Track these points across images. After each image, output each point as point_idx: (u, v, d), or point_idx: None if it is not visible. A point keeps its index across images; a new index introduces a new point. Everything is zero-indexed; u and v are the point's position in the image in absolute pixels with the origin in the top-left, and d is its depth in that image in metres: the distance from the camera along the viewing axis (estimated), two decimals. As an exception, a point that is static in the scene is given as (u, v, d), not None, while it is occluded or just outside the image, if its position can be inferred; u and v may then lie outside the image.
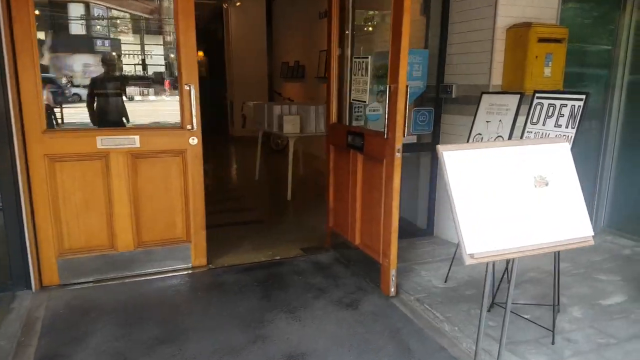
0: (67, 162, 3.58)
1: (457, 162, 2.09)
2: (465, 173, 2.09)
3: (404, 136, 3.37)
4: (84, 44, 4.80)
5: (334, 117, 4.30)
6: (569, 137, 2.82)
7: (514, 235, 2.09)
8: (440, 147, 2.08)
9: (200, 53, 18.80)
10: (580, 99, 2.82)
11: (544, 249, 2.14)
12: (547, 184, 2.21)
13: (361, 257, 3.93)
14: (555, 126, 2.94)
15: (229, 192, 7.12)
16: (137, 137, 3.70)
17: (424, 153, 4.88)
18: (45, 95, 3.64)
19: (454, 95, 4.43)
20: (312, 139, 7.03)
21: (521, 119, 3.34)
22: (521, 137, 3.18)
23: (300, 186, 6.91)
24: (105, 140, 3.62)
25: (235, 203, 6.40)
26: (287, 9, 11.54)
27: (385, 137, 3.41)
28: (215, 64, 15.68)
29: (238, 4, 11.84)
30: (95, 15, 4.82)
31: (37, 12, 3.38)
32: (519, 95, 3.28)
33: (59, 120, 4.19)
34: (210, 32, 15.02)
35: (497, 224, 2.09)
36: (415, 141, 4.69)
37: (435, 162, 4.77)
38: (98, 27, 5.02)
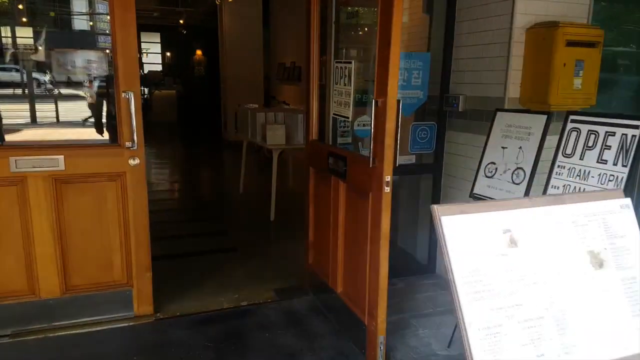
0: (-28, 188, 2.85)
1: (463, 232, 1.33)
2: (475, 250, 1.32)
3: (395, 165, 2.60)
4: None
5: (314, 134, 3.54)
6: (619, 178, 2.05)
7: (549, 347, 1.33)
8: (437, 209, 1.32)
9: (199, 52, 18.18)
10: (636, 127, 2.05)
11: (598, 369, 1.37)
12: (601, 265, 1.44)
13: (345, 307, 3.16)
14: (598, 162, 2.17)
15: (204, 210, 6.35)
16: (61, 158, 2.95)
17: (425, 176, 4.11)
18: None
19: (461, 109, 3.66)
20: (302, 152, 6.27)
21: (550, 144, 2.58)
22: (550, 172, 2.40)
23: (288, 203, 6.13)
24: (20, 162, 2.88)
25: (209, 224, 5.63)
26: (285, 7, 10.80)
27: (371, 164, 2.65)
28: (211, 65, 15.01)
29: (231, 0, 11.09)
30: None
31: None
32: (545, 116, 2.51)
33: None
34: (207, 31, 14.33)
35: (524, 329, 1.32)
36: (413, 162, 3.92)
37: (438, 186, 3.99)
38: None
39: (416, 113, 3.87)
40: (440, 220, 1.31)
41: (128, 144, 3.02)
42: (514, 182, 2.54)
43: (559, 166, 2.35)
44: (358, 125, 3.76)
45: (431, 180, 4.03)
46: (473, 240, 1.33)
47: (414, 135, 3.81)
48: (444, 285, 3.83)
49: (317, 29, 3.36)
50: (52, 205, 3.00)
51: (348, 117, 3.02)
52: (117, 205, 3.12)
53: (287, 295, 3.67)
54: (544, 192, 2.39)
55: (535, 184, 2.53)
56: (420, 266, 4.16)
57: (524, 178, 2.48)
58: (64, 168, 2.97)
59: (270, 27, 11.98)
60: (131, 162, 3.06)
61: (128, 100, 2.95)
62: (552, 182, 2.35)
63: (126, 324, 3.21)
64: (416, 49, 4.18)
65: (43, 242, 3.02)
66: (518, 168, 2.54)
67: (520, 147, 2.57)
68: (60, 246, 3.06)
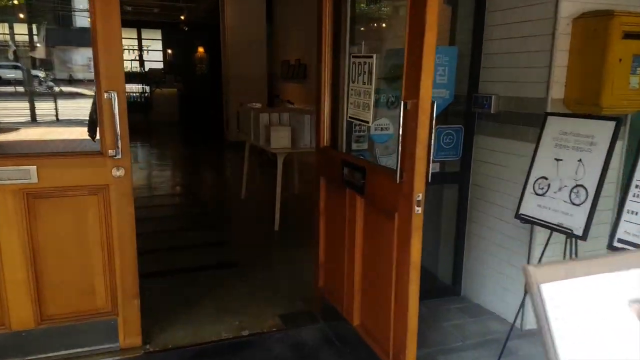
0: None
1: (573, 306, 0.89)
2: (592, 332, 0.89)
3: (428, 180, 2.17)
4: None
5: (325, 139, 3.10)
6: None
7: None
8: (533, 272, 0.88)
9: (201, 49, 17.74)
10: None
11: None
12: None
13: (362, 343, 2.73)
14: (693, 181, 1.74)
15: (203, 218, 5.90)
16: (33, 169, 2.53)
17: (449, 185, 3.67)
18: None
19: (493, 111, 3.22)
20: (308, 154, 5.82)
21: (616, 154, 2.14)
22: (625, 193, 1.96)
23: (294, 212, 5.70)
24: (-16, 174, 2.46)
25: (207, 234, 5.18)
26: (290, 0, 10.35)
27: (398, 179, 2.21)
28: (213, 62, 14.58)
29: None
30: None
31: None
32: (614, 123, 2.07)
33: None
34: (209, 28, 13.89)
35: None
36: (437, 170, 3.48)
37: (465, 197, 3.56)
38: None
39: (440, 115, 3.43)
40: (539, 289, 0.87)
41: (111, 152, 2.59)
42: (572, 203, 2.10)
43: (637, 186, 1.91)
44: (375, 128, 3.33)
45: (456, 191, 3.59)
46: (588, 317, 0.89)
47: (438, 140, 3.38)
48: (472, 311, 3.40)
49: (330, 19, 2.93)
50: (23, 224, 2.57)
51: (368, 121, 2.58)
52: (99, 222, 2.69)
53: (294, 322, 3.24)
54: (617, 218, 1.96)
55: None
56: (443, 287, 3.72)
57: (586, 198, 2.04)
58: (37, 180, 2.54)
59: (274, 22, 11.54)
60: (115, 173, 2.63)
61: (111, 101, 2.53)
62: (629, 205, 1.91)
63: (110, 359, 2.79)
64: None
65: (13, 265, 2.60)
66: (578, 185, 2.10)
67: (580, 160, 2.13)
68: (33, 270, 2.64)
